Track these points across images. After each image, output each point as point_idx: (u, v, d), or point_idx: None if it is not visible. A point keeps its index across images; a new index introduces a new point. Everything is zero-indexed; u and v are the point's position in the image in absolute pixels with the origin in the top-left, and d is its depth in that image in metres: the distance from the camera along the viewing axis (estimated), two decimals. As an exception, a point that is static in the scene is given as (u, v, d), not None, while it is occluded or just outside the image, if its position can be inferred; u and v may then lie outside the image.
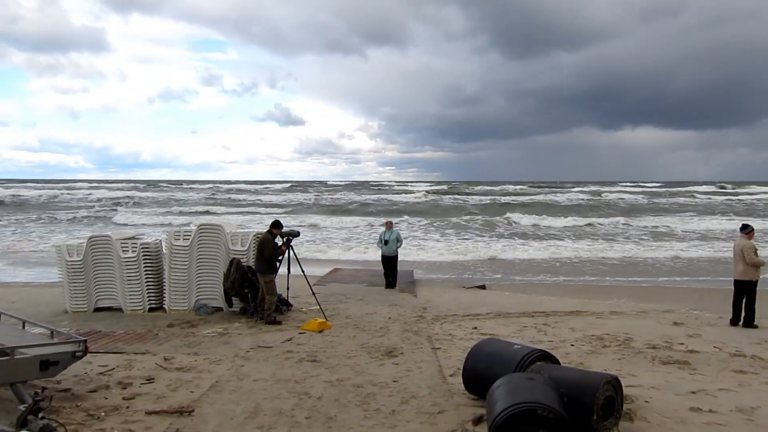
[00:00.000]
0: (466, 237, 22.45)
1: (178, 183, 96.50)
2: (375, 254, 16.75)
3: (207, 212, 35.90)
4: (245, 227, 13.12)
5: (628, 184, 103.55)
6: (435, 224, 27.66)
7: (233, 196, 51.65)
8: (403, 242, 12.49)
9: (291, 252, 8.01)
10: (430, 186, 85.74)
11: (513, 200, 46.04)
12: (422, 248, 18.80)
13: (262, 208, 39.35)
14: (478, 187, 78.64)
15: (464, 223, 28.58)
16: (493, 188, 75.01)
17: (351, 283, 11.84)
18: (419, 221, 29.30)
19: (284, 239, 7.97)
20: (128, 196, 47.97)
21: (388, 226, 11.56)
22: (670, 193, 56.07)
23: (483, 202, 44.36)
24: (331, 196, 53.73)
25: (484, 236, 22.67)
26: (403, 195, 55.15)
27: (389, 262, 11.32)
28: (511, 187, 73.75)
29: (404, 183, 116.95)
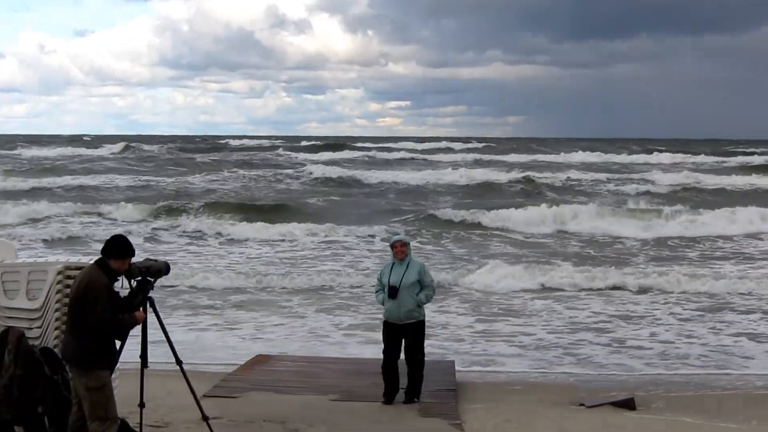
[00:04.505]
0: (581, 299, 22.56)
1: None
2: (363, 319, 16.86)
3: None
4: (37, 253, 13.17)
5: None
6: (505, 247, 27.97)
7: (13, 172, 52.51)
8: (435, 291, 12.29)
9: (151, 314, 8.10)
10: (490, 154, 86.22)
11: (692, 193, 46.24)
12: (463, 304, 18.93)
13: (81, 202, 39.49)
14: (610, 157, 78.66)
15: (587, 245, 28.74)
16: (646, 160, 75.26)
17: (299, 391, 11.97)
18: (465, 241, 29.41)
19: (135, 283, 8.05)
20: None
21: (399, 251, 11.49)
22: None
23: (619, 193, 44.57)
24: (248, 175, 53.98)
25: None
26: (432, 171, 56.14)
27: (402, 335, 11.41)
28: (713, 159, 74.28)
29: (430, 144, 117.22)
